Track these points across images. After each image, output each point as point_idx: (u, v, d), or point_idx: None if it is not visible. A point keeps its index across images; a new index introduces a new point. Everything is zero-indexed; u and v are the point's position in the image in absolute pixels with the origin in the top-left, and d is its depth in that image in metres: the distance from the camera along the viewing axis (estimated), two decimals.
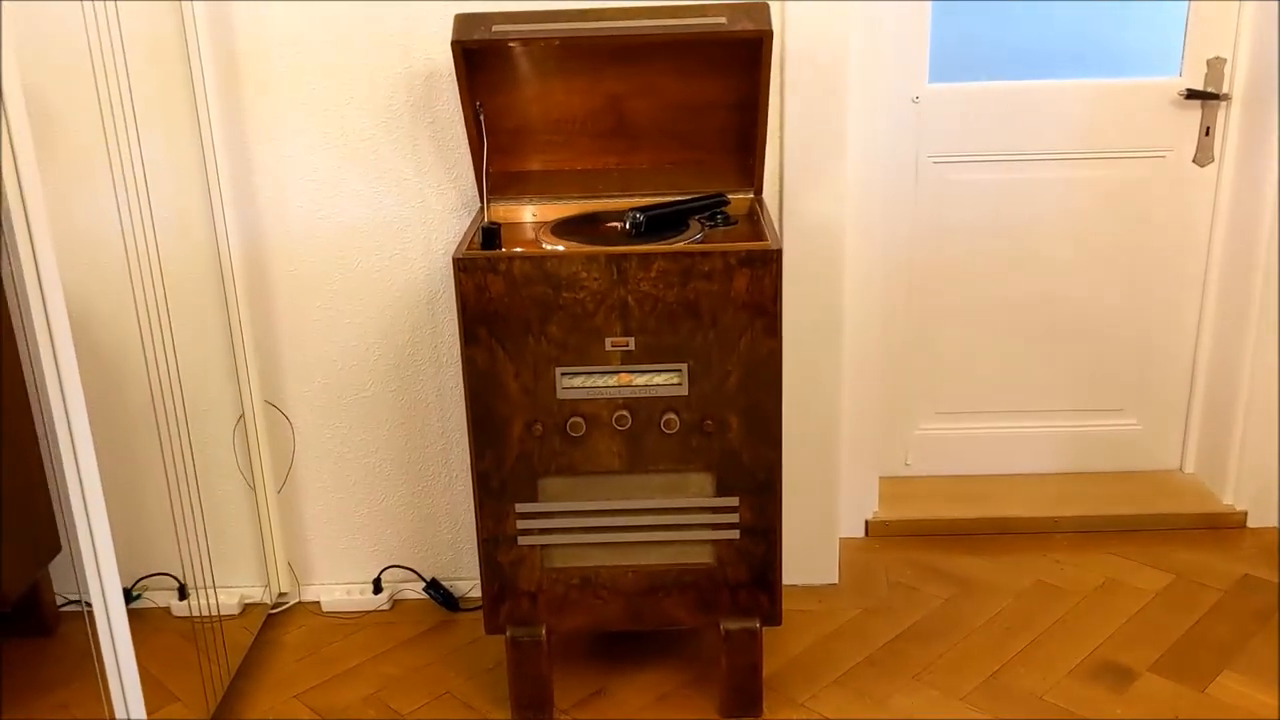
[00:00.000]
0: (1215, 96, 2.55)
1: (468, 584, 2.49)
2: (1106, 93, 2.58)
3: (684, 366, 1.85)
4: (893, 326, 2.70)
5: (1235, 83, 2.54)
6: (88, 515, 1.56)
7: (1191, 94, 2.56)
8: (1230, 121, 2.57)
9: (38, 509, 2.28)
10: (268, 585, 2.46)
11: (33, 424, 2.26)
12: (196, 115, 2.14)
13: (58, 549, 2.35)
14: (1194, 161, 2.62)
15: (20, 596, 2.25)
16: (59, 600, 2.43)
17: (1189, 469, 2.86)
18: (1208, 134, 2.59)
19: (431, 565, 2.49)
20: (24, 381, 2.23)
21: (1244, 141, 2.56)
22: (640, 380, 1.86)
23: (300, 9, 2.12)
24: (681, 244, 1.87)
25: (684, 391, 1.86)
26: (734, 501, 1.93)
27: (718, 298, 1.81)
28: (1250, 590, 2.42)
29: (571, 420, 1.88)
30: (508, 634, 2.01)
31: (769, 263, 1.79)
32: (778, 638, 2.27)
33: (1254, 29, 2.49)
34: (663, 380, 1.86)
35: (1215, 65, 2.54)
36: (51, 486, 2.32)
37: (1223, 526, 2.68)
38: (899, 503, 2.74)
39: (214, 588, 2.32)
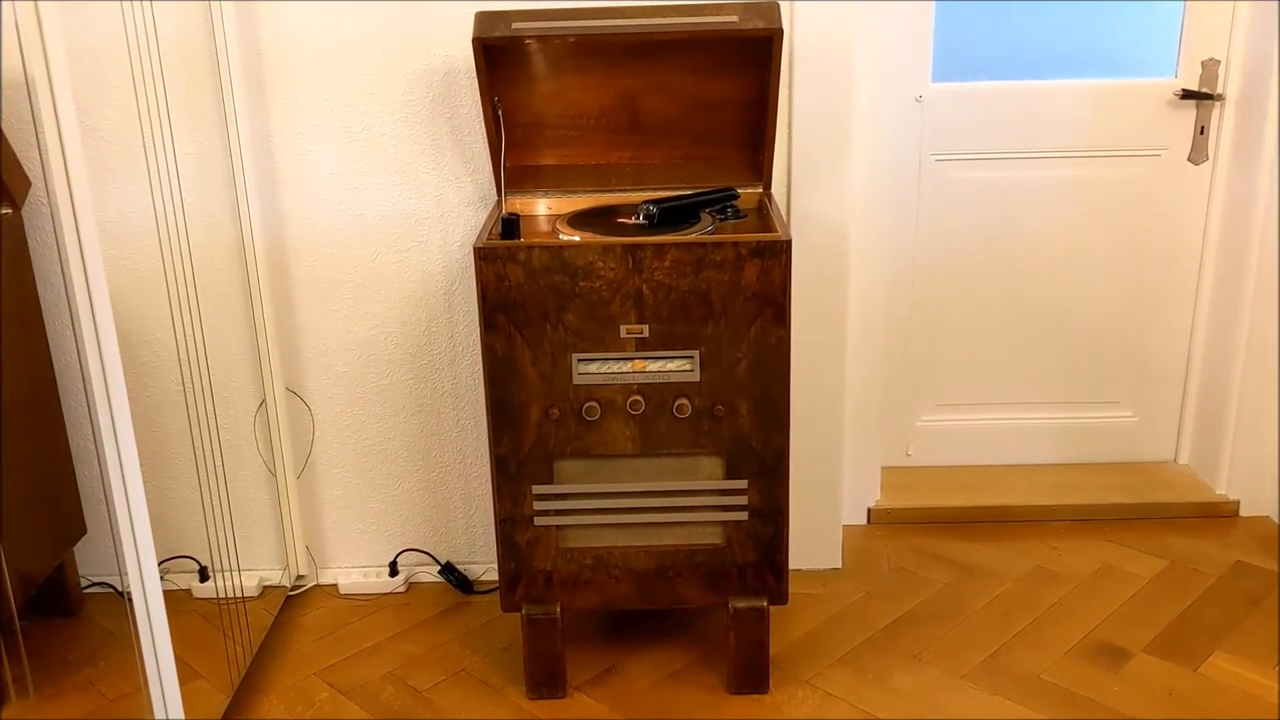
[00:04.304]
0: (1209, 97, 2.62)
1: (481, 567, 2.56)
2: (1104, 93, 2.65)
3: (696, 353, 1.92)
4: (895, 320, 2.77)
5: (1229, 83, 2.61)
6: (129, 505, 1.62)
7: (1186, 94, 2.63)
8: (1224, 121, 2.64)
9: (65, 493, 2.34)
10: (286, 568, 2.52)
11: (60, 411, 2.33)
12: (223, 110, 2.21)
13: (83, 531, 2.41)
14: (1189, 160, 2.69)
15: (47, 578, 2.31)
16: (84, 582, 2.50)
17: (1183, 460, 2.93)
18: (1202, 133, 2.66)
19: (446, 549, 2.56)
20: (53, 370, 2.30)
21: (1237, 140, 2.63)
22: (654, 366, 1.93)
23: (323, 8, 2.19)
24: (694, 235, 1.94)
25: (696, 378, 1.93)
26: (743, 484, 2.00)
27: (729, 287, 1.88)
28: (1242, 575, 2.49)
29: (587, 405, 1.95)
30: (523, 612, 2.08)
31: (779, 253, 1.86)
32: (783, 619, 2.34)
33: (1247, 31, 2.56)
34: (675, 366, 1.93)
35: (1209, 66, 2.61)
36: (79, 472, 2.39)
37: (1216, 515, 2.75)
38: (901, 492, 2.81)
39: (238, 570, 2.39)
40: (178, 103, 2.18)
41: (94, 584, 2.52)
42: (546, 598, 2.07)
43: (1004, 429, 2.92)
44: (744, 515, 2.02)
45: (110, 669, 2.26)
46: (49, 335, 2.29)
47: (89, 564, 2.50)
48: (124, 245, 2.29)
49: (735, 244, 1.86)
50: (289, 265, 2.36)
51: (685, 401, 1.94)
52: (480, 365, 2.39)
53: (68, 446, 2.36)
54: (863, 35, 2.28)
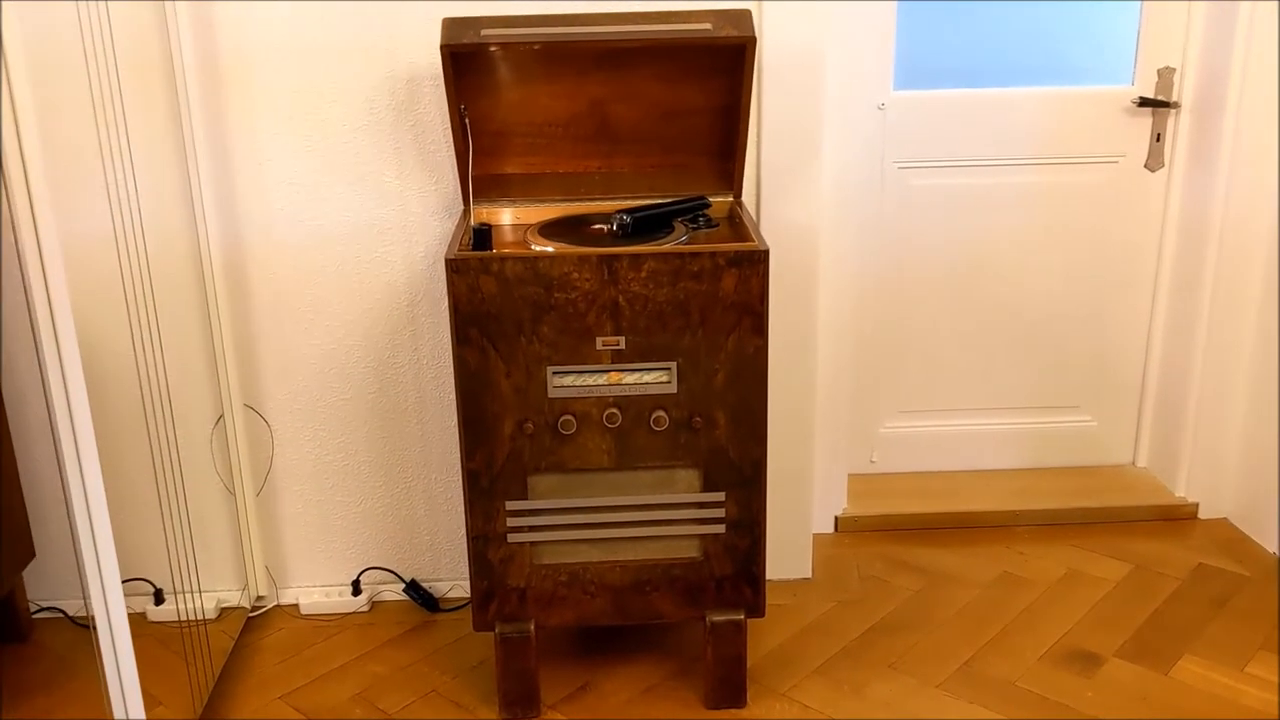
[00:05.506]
0: (1165, 104, 2.66)
1: (447, 584, 2.51)
2: (1063, 100, 2.67)
3: (673, 365, 1.89)
4: (858, 327, 2.76)
5: (1184, 91, 2.65)
6: (92, 527, 1.57)
7: (1143, 102, 2.66)
8: (1180, 128, 2.68)
9: (13, 516, 2.26)
10: (245, 589, 2.45)
11: (8, 431, 2.24)
12: (179, 118, 2.14)
13: (32, 555, 2.33)
14: (1145, 167, 2.72)
15: None
16: (33, 607, 2.41)
17: (1141, 463, 2.96)
18: (1158, 140, 2.69)
19: (411, 567, 2.50)
20: (1, 389, 2.21)
21: (1193, 147, 2.66)
22: (630, 379, 1.90)
23: (282, 12, 2.13)
24: (671, 245, 1.91)
25: (673, 389, 1.91)
26: (720, 496, 1.98)
27: (706, 297, 1.86)
28: (1205, 579, 2.52)
29: (562, 418, 1.91)
30: (496, 631, 2.03)
31: (757, 263, 1.84)
32: (756, 631, 2.32)
33: (1202, 40, 2.59)
34: (652, 378, 1.90)
35: (1165, 74, 2.64)
36: (26, 493, 2.30)
37: (1175, 518, 2.78)
38: (867, 499, 2.80)
39: (198, 592, 2.31)
40: (131, 110, 2.11)
41: (43, 609, 2.43)
42: (520, 616, 2.03)
43: (965, 434, 2.93)
44: (721, 528, 1.99)
45: (66, 696, 2.18)
46: (4, 349, 2.20)
47: (37, 588, 2.41)
48: (77, 257, 2.21)
49: (713, 254, 1.84)
50: (247, 277, 2.29)
51: (662, 413, 1.92)
52: (445, 379, 2.36)
53: (15, 468, 2.27)
54: (827, 43, 2.28)
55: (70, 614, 2.41)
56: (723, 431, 1.94)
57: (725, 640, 2.06)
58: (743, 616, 2.05)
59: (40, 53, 2.08)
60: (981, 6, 2.63)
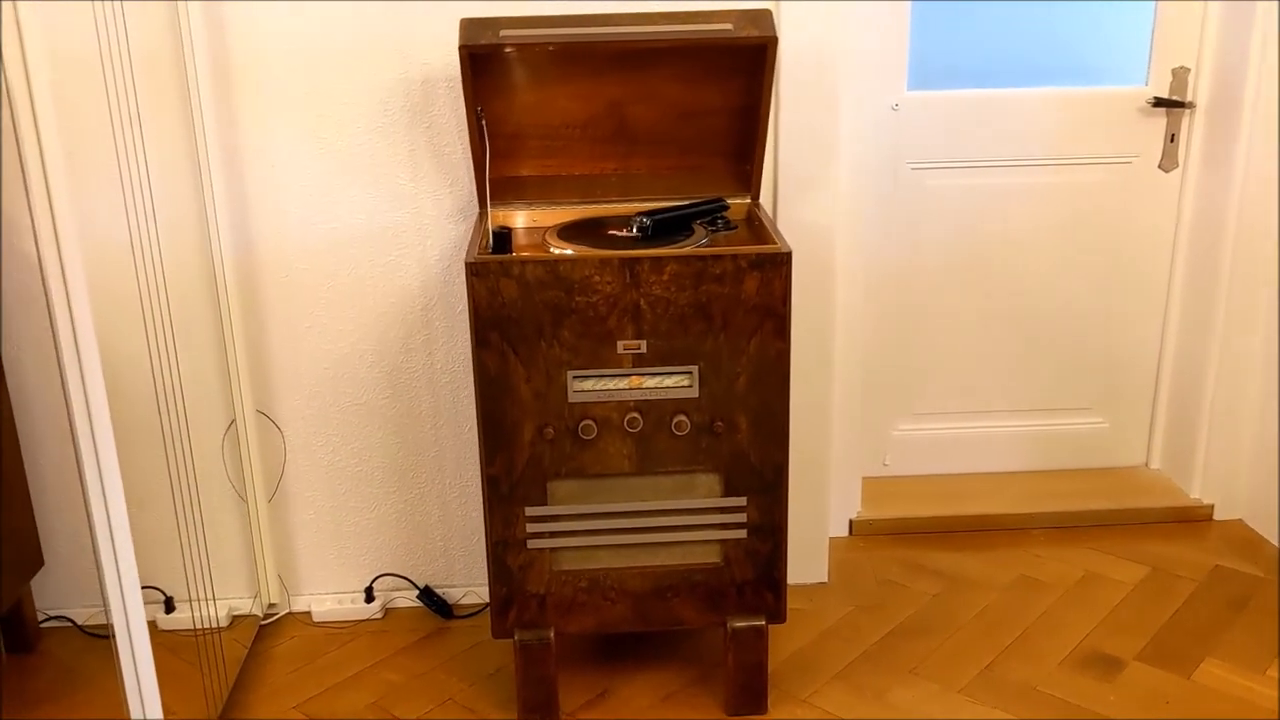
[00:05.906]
0: (1180, 104, 2.64)
1: (460, 591, 2.48)
2: (1077, 101, 2.66)
3: (695, 368, 1.87)
4: (871, 329, 2.75)
5: (1199, 91, 2.63)
6: (111, 534, 1.55)
7: (1158, 102, 2.65)
8: (1194, 128, 2.66)
9: (21, 524, 2.23)
10: (257, 596, 2.43)
11: (16, 439, 2.22)
12: (191, 121, 2.12)
13: (40, 564, 2.30)
14: (1160, 167, 2.71)
15: (3, 612, 2.20)
16: (40, 616, 2.38)
17: (1155, 465, 2.94)
18: (1172, 140, 2.68)
19: (424, 573, 2.48)
20: (9, 397, 2.18)
21: (1207, 147, 2.65)
22: (651, 383, 1.88)
23: (294, 13, 2.11)
24: (692, 247, 1.89)
25: (694, 393, 1.89)
26: (741, 501, 1.96)
27: (729, 300, 1.84)
28: (1222, 580, 2.51)
29: (583, 423, 1.89)
30: (515, 637, 2.01)
31: (779, 265, 1.82)
32: (775, 636, 2.29)
33: (1216, 40, 2.58)
34: (674, 382, 1.88)
35: (1180, 74, 2.63)
36: (33, 501, 2.28)
37: (1191, 520, 2.77)
38: (880, 502, 2.78)
39: (213, 600, 2.29)
40: (145, 114, 2.08)
41: (50, 618, 2.41)
42: (540, 622, 2.01)
43: (978, 437, 2.92)
44: (743, 533, 1.97)
45: (74, 706, 2.15)
46: (4, 362, 2.17)
47: (44, 597, 2.38)
48: (93, 262, 2.18)
49: (735, 256, 1.82)
50: (259, 282, 2.27)
51: (684, 418, 1.90)
52: (459, 384, 2.34)
53: (24, 476, 2.24)
54: (843, 43, 2.26)
55: (79, 623, 2.39)
56: (744, 436, 1.92)
57: (746, 646, 2.04)
58: (764, 622, 2.03)
59: (56, 56, 2.06)
60: (995, 7, 2.62)
